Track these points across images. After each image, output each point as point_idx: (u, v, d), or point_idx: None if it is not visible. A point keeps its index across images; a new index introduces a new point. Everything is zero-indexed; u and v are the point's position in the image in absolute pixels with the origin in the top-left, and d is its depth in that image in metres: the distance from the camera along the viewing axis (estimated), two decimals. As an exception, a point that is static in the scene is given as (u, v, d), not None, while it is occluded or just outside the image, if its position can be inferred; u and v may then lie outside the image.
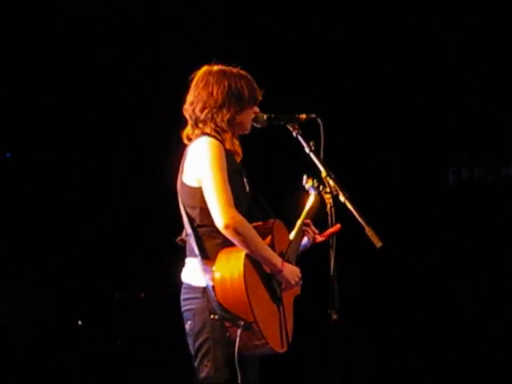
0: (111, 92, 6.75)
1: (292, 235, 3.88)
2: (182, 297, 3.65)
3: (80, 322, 6.59)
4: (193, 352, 3.60)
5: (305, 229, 3.96)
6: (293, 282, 3.66)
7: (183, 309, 3.63)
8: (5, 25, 6.48)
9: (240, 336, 3.41)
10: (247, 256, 3.50)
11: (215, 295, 3.45)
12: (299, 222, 3.94)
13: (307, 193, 4.09)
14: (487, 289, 6.93)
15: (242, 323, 3.41)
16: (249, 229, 3.51)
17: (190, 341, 3.61)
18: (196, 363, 3.58)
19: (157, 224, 6.47)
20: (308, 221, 3.98)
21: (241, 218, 3.48)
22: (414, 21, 6.90)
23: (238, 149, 3.71)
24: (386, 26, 6.91)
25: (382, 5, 6.87)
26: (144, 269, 6.61)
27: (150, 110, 6.62)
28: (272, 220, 3.78)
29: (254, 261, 3.54)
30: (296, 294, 3.83)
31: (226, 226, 3.45)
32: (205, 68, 3.75)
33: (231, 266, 3.48)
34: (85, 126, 6.83)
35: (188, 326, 3.60)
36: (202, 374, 3.54)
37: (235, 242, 3.48)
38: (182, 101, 3.73)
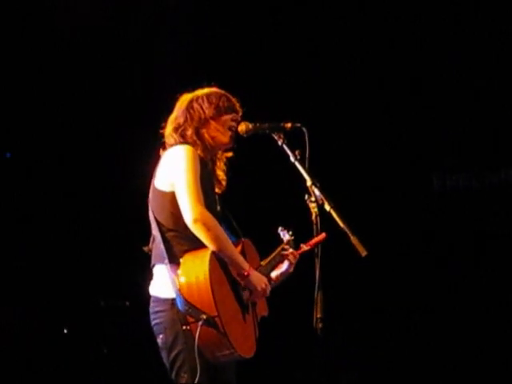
0: (109, 93, 6.76)
1: (263, 262, 3.93)
2: (151, 310, 3.66)
3: (66, 331, 6.56)
4: (168, 365, 3.61)
5: (284, 253, 4.00)
6: (259, 288, 3.68)
7: (153, 322, 3.65)
8: (5, 26, 6.50)
9: (200, 331, 3.41)
10: (214, 255, 3.52)
11: (179, 290, 3.47)
12: (272, 255, 3.99)
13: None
14: (471, 294, 6.95)
15: (205, 317, 3.42)
16: (218, 226, 3.55)
17: (163, 354, 3.62)
18: (173, 375, 3.59)
19: (142, 232, 6.45)
20: (287, 246, 4.04)
21: (210, 215, 3.52)
22: (394, 28, 6.92)
23: (223, 180, 3.89)
24: (369, 33, 6.93)
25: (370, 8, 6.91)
26: (129, 277, 6.60)
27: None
28: (241, 239, 3.86)
29: (221, 262, 3.56)
30: (263, 314, 3.87)
31: (195, 220, 3.49)
32: (183, 96, 3.92)
33: (198, 263, 3.50)
34: (83, 126, 6.84)
35: (160, 339, 3.62)
36: None
37: (203, 238, 3.50)
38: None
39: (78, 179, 6.90)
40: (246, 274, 3.62)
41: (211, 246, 3.52)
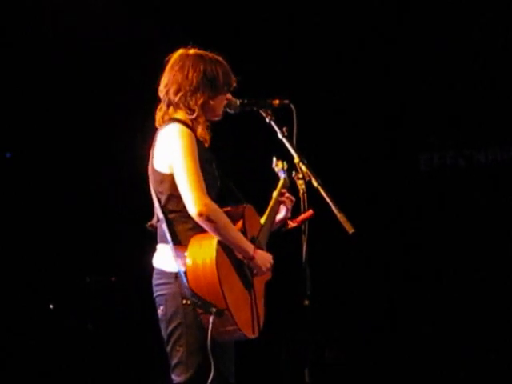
0: (109, 92, 6.74)
1: (263, 220, 3.88)
2: (154, 282, 3.62)
3: (51, 306, 6.56)
4: (165, 337, 3.58)
5: (281, 199, 3.96)
6: (264, 269, 3.66)
7: (155, 294, 3.61)
8: (5, 26, 6.47)
9: (213, 323, 3.39)
10: (219, 243, 3.48)
11: (187, 281, 3.43)
12: (270, 206, 3.93)
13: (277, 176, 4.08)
14: (458, 274, 6.99)
15: (215, 310, 3.40)
16: (222, 216, 3.50)
17: (162, 326, 3.59)
18: (168, 348, 3.56)
19: (127, 208, 6.47)
20: (284, 190, 3.98)
21: (214, 205, 3.48)
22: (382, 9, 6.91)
23: (207, 136, 3.70)
24: (356, 13, 6.92)
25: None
26: (115, 253, 6.61)
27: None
28: (243, 205, 3.77)
29: (226, 247, 3.53)
30: (267, 279, 3.83)
31: (200, 214, 3.43)
32: (181, 51, 3.74)
33: (203, 252, 3.46)
34: (83, 126, 6.83)
35: (160, 311, 3.58)
36: (175, 360, 3.53)
37: (208, 229, 3.47)
38: (156, 83, 3.72)
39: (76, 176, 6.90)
40: (251, 257, 3.60)
41: (216, 236, 3.48)
